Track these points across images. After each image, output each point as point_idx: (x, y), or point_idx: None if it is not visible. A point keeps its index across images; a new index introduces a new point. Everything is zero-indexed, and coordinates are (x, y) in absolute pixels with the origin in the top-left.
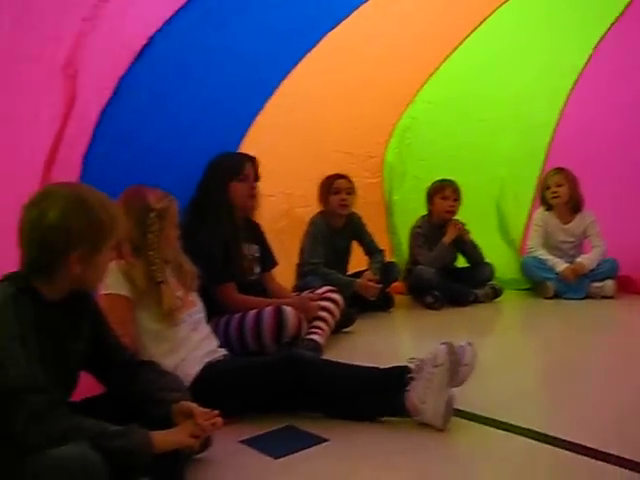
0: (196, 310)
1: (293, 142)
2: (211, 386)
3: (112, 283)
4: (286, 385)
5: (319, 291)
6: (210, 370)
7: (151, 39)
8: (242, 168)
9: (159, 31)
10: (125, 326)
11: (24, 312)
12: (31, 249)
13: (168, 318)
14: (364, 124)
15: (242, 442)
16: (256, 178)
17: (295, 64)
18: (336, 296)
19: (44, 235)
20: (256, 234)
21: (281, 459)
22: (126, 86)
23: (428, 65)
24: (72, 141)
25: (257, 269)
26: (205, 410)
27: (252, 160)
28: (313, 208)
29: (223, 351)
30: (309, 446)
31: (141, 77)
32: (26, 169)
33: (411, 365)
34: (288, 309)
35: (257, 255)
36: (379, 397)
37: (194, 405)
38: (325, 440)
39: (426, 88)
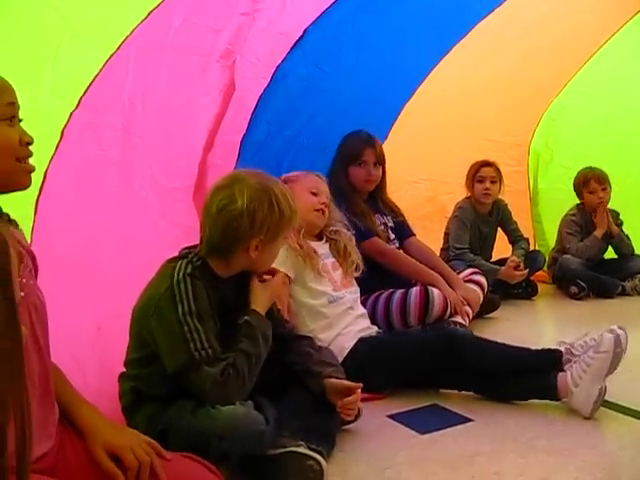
0: (353, 290)
1: (439, 129)
2: (365, 360)
3: None
4: (442, 362)
5: (464, 273)
6: (364, 344)
7: (305, 31)
8: (361, 154)
9: (313, 24)
10: (282, 301)
11: (200, 288)
12: (214, 231)
13: (316, 274)
14: (512, 112)
15: (389, 417)
16: (377, 162)
17: (446, 52)
18: (480, 278)
19: (230, 220)
20: (389, 208)
21: (426, 435)
22: (281, 75)
23: (581, 54)
24: (230, 128)
25: (392, 235)
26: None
27: (373, 145)
28: (456, 195)
29: (376, 328)
30: (454, 425)
31: (295, 67)
32: (182, 152)
33: (561, 348)
34: (435, 290)
35: (391, 225)
36: (530, 377)
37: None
38: (469, 420)
39: (578, 77)
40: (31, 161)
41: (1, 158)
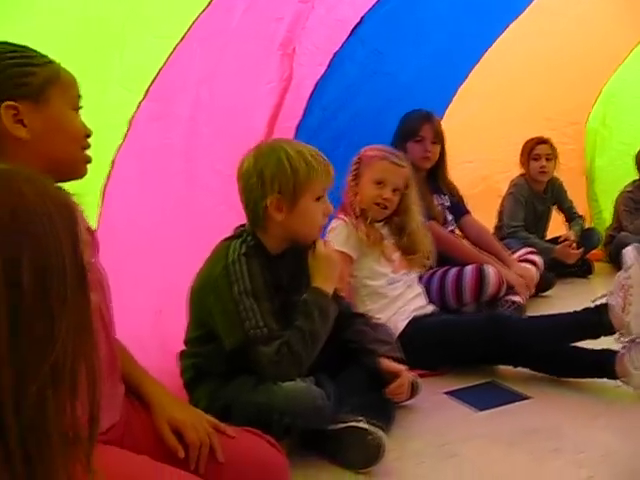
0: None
1: (495, 109)
2: (416, 339)
3: (336, 239)
4: (492, 345)
5: (519, 253)
6: (416, 324)
7: (363, 18)
8: (418, 130)
9: (370, 10)
10: (342, 281)
11: (255, 267)
12: (242, 198)
13: (375, 251)
14: (568, 90)
15: (447, 393)
16: (436, 139)
17: (502, 32)
18: (536, 258)
19: (244, 185)
20: (447, 187)
21: (483, 411)
22: (338, 61)
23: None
24: (287, 114)
25: (449, 217)
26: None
27: (431, 121)
28: (512, 174)
29: (432, 307)
30: (511, 402)
31: (352, 52)
32: (242, 139)
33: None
34: (490, 268)
35: (447, 204)
36: (588, 355)
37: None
38: (527, 397)
39: (638, 49)
40: (89, 152)
41: (73, 146)
